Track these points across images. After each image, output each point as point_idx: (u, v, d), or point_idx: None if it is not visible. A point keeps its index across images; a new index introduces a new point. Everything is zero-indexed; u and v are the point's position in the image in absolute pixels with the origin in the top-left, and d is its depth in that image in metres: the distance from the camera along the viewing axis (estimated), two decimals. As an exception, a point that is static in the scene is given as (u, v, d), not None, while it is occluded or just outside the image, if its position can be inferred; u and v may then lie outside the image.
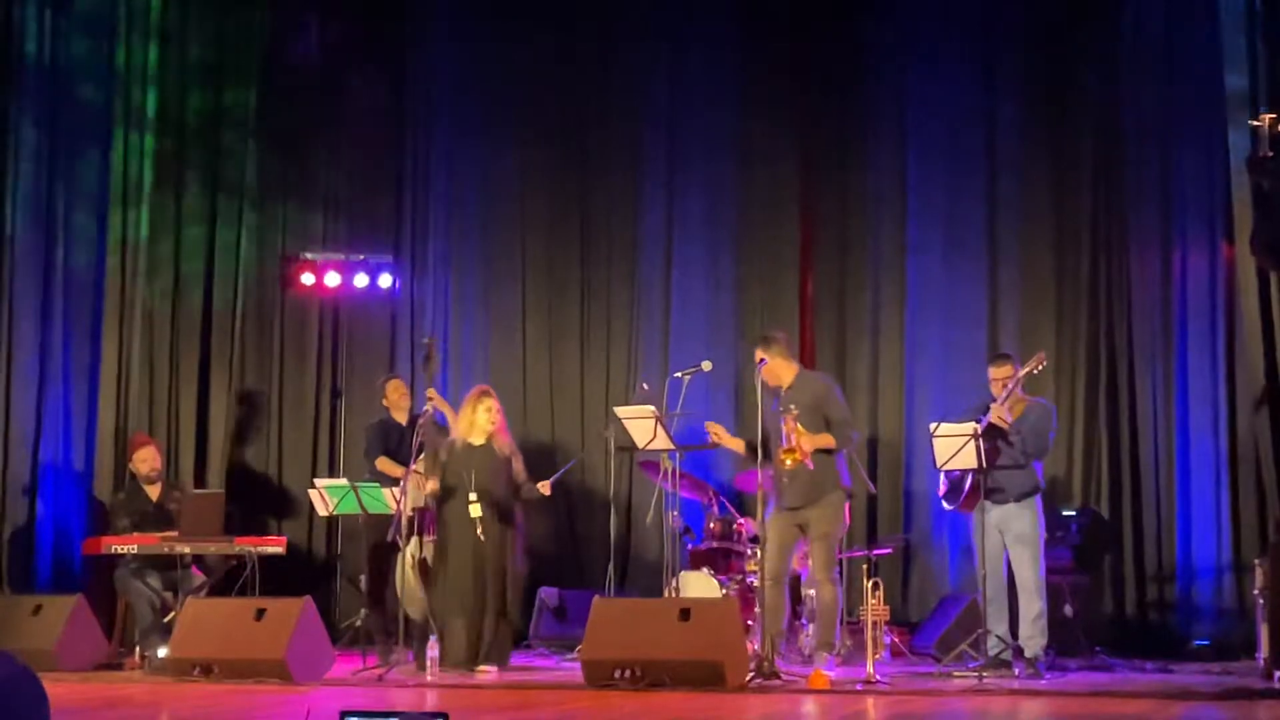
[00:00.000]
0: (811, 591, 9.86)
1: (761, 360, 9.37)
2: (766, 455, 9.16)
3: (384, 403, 11.26)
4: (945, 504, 9.79)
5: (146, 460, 11.04)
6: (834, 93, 12.42)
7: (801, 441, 9.10)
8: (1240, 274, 10.87)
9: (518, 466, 10.08)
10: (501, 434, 10.08)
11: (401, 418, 11.11)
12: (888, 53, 12.32)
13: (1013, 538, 9.47)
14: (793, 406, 9.23)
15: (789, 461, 9.10)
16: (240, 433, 12.70)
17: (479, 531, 9.75)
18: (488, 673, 9.57)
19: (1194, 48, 11.40)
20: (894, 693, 8.61)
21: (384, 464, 10.82)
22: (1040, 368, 9.64)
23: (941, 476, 9.62)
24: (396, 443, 10.93)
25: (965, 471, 9.37)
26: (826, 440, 9.29)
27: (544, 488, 10.04)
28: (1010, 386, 9.46)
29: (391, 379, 11.41)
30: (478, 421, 10.00)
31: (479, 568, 9.79)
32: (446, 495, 9.94)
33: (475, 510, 9.77)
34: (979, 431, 9.24)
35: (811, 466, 9.15)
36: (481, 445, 10.00)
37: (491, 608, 9.80)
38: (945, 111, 12.13)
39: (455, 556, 9.85)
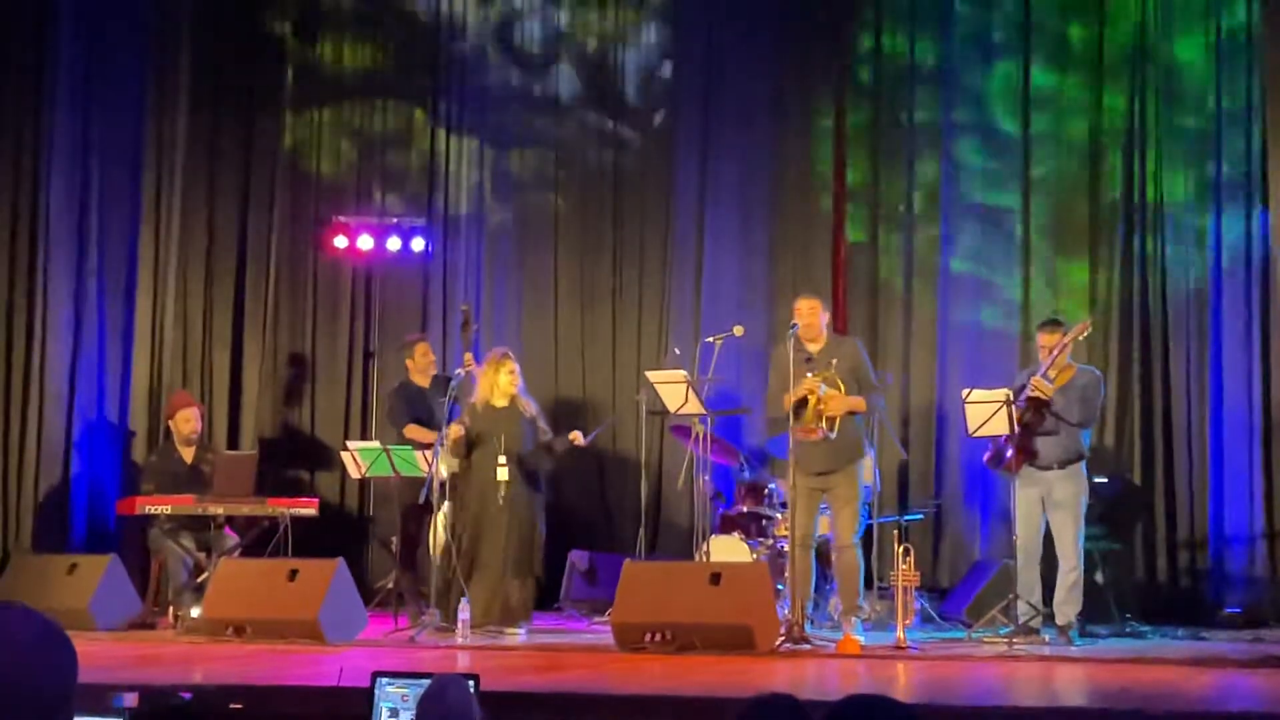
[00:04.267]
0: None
1: (794, 326, 9.33)
2: (798, 418, 9.17)
3: (408, 364, 11.22)
4: (990, 468, 9.79)
5: (189, 420, 11.05)
6: (871, 59, 12.35)
7: (834, 403, 9.10)
8: (1276, 239, 10.79)
9: (542, 425, 10.10)
10: (522, 394, 10.08)
11: (423, 381, 11.07)
12: (927, 20, 12.22)
13: (1054, 504, 9.44)
14: (833, 364, 9.21)
15: (811, 436, 9.12)
16: (273, 394, 12.75)
17: (500, 495, 9.76)
18: (516, 634, 9.60)
19: (1233, 9, 11.34)
20: (924, 658, 8.62)
21: (413, 431, 10.76)
22: (1084, 335, 9.62)
23: (989, 441, 9.60)
24: (421, 409, 10.89)
25: (1009, 436, 9.35)
26: (859, 404, 9.29)
27: (576, 438, 10.02)
28: (1055, 354, 9.42)
29: (420, 342, 11.35)
30: (500, 384, 10.00)
31: (503, 530, 9.79)
32: (470, 452, 9.94)
33: (503, 474, 9.78)
34: (1011, 398, 9.22)
35: (829, 437, 9.15)
36: (505, 407, 10.01)
37: (518, 569, 9.81)
38: (981, 78, 12.05)
39: (479, 519, 9.87)
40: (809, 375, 9.19)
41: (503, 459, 9.79)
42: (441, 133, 12.89)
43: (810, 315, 9.42)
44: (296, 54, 12.99)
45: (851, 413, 9.28)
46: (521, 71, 12.91)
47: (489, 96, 12.90)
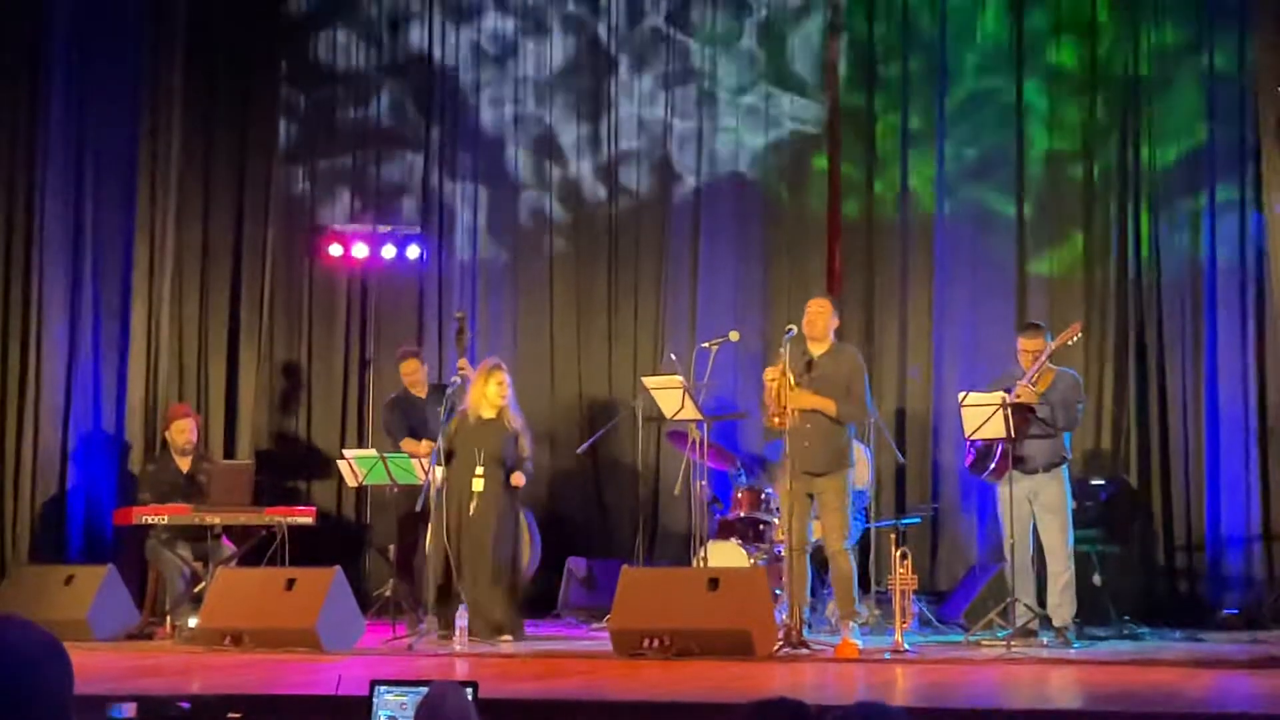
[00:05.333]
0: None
1: (790, 330, 9.32)
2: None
3: (402, 377, 11.26)
4: (973, 473, 9.78)
5: (184, 431, 11.05)
6: (864, 62, 12.35)
7: (798, 398, 9.13)
8: (1271, 240, 10.80)
9: (523, 442, 10.05)
10: (510, 408, 10.06)
11: (420, 392, 11.09)
12: (921, 17, 12.23)
13: (1041, 507, 9.47)
14: (808, 366, 9.26)
15: (777, 421, 9.19)
16: (270, 403, 12.74)
17: (472, 505, 9.74)
18: (508, 640, 9.57)
19: (1222, 9, 11.37)
20: (922, 662, 8.62)
21: (409, 445, 10.74)
22: (1075, 339, 9.62)
23: (968, 446, 9.62)
24: (417, 420, 10.87)
25: (992, 441, 9.36)
26: (825, 404, 9.25)
27: (516, 479, 9.95)
28: (1041, 359, 9.43)
29: (409, 358, 11.28)
30: (488, 394, 9.98)
31: (478, 541, 9.76)
32: (449, 461, 9.91)
33: (478, 485, 9.76)
34: (1007, 401, 9.22)
35: (781, 424, 9.19)
36: (491, 419, 9.98)
37: (499, 581, 9.79)
38: (975, 75, 12.06)
39: (457, 529, 9.82)
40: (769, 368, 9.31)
41: (480, 470, 9.77)
42: (436, 146, 12.88)
43: (817, 316, 9.44)
44: (293, 65, 12.98)
45: (818, 412, 9.26)
46: (517, 98, 12.88)
47: (487, 114, 12.89)
